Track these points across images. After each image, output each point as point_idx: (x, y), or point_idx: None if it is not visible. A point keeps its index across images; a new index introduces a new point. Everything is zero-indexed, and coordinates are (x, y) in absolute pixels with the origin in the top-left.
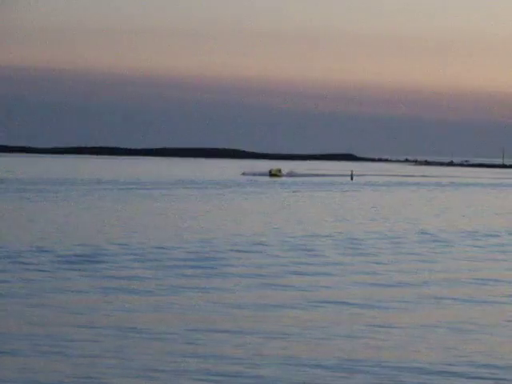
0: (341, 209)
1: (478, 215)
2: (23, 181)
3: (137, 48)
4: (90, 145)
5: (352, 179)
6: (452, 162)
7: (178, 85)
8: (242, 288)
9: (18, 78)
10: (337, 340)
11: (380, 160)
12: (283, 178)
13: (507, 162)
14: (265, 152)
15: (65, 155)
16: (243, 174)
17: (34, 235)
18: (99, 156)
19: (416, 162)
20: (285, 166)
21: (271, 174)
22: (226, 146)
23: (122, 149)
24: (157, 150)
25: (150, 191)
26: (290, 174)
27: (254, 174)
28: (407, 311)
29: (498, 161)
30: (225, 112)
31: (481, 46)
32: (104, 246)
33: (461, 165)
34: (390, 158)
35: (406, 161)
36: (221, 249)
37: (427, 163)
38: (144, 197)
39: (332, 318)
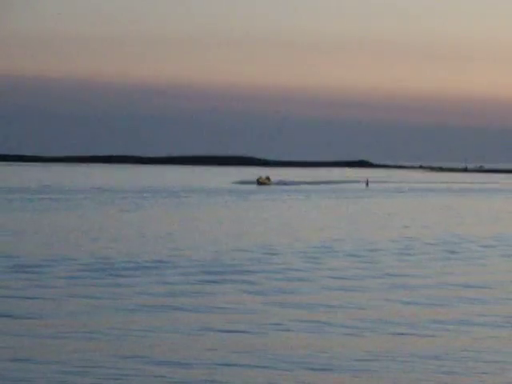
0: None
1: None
2: (38, 189)
3: (143, 56)
4: (100, 153)
5: (367, 186)
6: (466, 168)
7: (187, 93)
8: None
9: (27, 87)
10: None
11: (395, 167)
12: (290, 186)
13: None
14: (278, 159)
15: (69, 163)
16: (233, 182)
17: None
18: (110, 164)
19: (431, 169)
20: (299, 173)
21: (259, 183)
22: (239, 154)
23: (131, 157)
24: (169, 158)
25: (178, 199)
26: (282, 182)
27: (242, 183)
28: None
29: None
30: (236, 119)
31: (495, 53)
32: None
33: (475, 171)
34: (404, 165)
35: (421, 167)
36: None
37: (442, 169)
38: (178, 204)
39: None
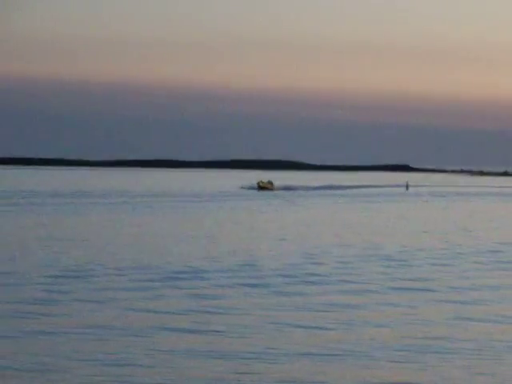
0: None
1: None
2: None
3: (161, 59)
4: (128, 157)
5: (407, 189)
6: (506, 171)
7: (225, 97)
8: None
9: (46, 89)
10: None
11: (435, 170)
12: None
13: None
14: (321, 164)
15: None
16: (242, 187)
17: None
18: (143, 168)
19: (471, 173)
20: (340, 177)
21: (260, 187)
22: (280, 158)
23: (166, 161)
24: (203, 162)
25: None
26: (286, 188)
27: (249, 188)
28: None
29: None
30: (276, 123)
31: None
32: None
33: None
34: (445, 169)
35: (462, 171)
36: None
37: (482, 173)
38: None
39: None
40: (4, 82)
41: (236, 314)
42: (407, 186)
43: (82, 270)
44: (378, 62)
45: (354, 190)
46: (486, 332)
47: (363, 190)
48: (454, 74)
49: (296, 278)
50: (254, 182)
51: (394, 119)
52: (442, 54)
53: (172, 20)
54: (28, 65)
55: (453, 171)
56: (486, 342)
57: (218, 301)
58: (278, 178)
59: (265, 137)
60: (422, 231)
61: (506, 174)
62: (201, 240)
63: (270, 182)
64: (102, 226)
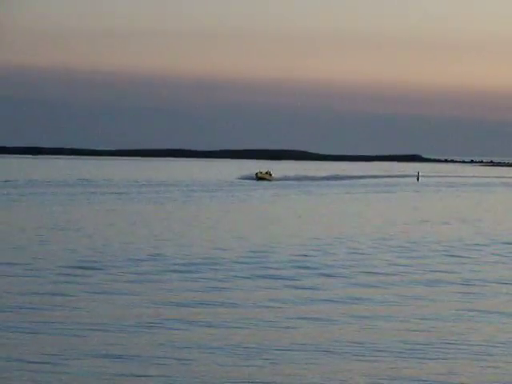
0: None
1: None
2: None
3: (186, 50)
4: (144, 147)
5: (418, 180)
6: None
7: (243, 87)
8: None
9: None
10: None
11: (446, 161)
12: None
13: None
14: (330, 154)
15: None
16: (240, 178)
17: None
18: (159, 158)
19: (482, 163)
20: (350, 167)
21: (258, 178)
22: (290, 148)
23: (183, 150)
24: (216, 152)
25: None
26: (285, 178)
27: (245, 178)
28: None
29: None
30: (288, 114)
31: None
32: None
33: None
34: (455, 159)
35: (472, 162)
36: None
37: (493, 164)
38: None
39: None
40: (12, 73)
41: (247, 307)
42: (418, 177)
43: (95, 261)
44: (390, 52)
45: (365, 180)
46: (496, 325)
47: (374, 180)
48: (467, 64)
49: (308, 269)
50: (253, 172)
51: (405, 110)
52: (453, 45)
53: (179, 11)
54: (33, 57)
55: (463, 161)
56: (494, 334)
57: (230, 293)
58: (291, 168)
59: (271, 127)
60: (434, 222)
61: None
62: (213, 230)
63: (268, 173)
64: (112, 215)
